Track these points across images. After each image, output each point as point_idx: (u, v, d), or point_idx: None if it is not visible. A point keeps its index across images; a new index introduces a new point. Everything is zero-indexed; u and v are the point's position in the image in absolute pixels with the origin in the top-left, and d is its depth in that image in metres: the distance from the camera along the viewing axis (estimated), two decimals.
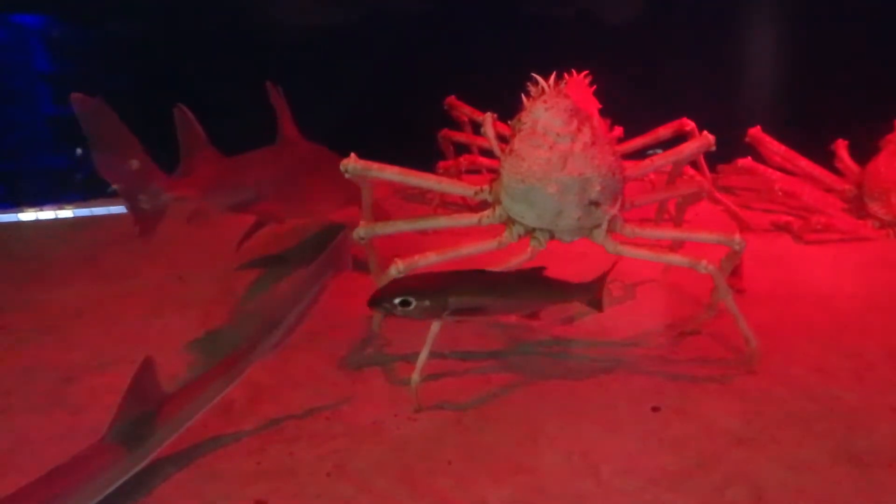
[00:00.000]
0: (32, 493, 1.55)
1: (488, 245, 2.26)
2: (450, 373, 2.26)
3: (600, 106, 2.20)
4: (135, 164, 2.46)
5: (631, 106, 2.93)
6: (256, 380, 2.13)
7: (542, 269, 2.11)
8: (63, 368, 2.31)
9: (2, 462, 1.89)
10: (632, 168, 2.35)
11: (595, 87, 2.20)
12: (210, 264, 3.06)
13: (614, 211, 2.20)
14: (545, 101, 2.11)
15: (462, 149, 3.65)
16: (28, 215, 3.86)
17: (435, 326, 2.08)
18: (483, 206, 2.33)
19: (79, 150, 4.10)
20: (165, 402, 1.82)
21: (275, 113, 3.03)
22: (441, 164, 3.59)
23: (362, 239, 2.32)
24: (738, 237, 2.26)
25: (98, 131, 2.37)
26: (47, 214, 3.87)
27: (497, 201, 2.24)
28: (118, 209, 3.80)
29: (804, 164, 3.57)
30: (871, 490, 1.75)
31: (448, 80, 3.66)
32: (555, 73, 2.14)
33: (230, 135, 3.32)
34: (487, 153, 3.11)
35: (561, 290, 2.12)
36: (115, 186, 2.50)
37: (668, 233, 2.66)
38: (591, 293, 2.12)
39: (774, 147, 3.54)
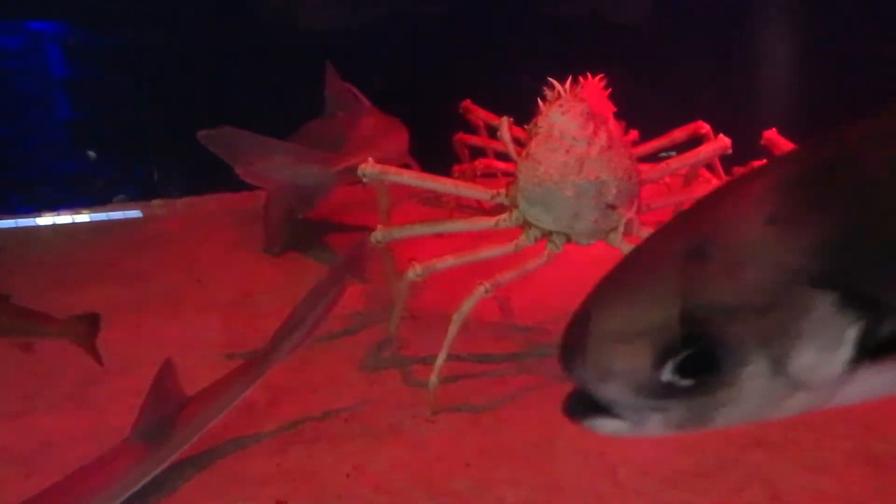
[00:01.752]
0: (58, 492, 1.58)
1: (505, 248, 2.27)
2: (467, 375, 2.28)
3: (615, 109, 2.21)
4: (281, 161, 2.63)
5: (646, 109, 2.93)
6: (276, 382, 2.15)
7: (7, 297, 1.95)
8: (85, 371, 2.33)
9: (27, 462, 1.92)
10: (648, 171, 2.36)
11: (610, 90, 2.21)
12: (228, 268, 3.09)
13: (630, 214, 2.20)
14: (561, 106, 2.12)
15: (478, 152, 3.65)
16: (45, 220, 3.89)
17: (452, 329, 2.09)
18: (499, 209, 2.34)
19: (91, 154, 4.14)
20: (187, 403, 1.85)
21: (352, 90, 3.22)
22: (457, 167, 3.60)
23: (379, 242, 2.33)
24: None
25: (232, 150, 2.51)
26: (65, 219, 3.90)
27: (514, 205, 2.25)
28: (135, 213, 3.83)
29: None
30: (889, 491, 1.75)
31: (463, 84, 3.67)
32: (570, 77, 2.16)
33: None
34: (503, 157, 3.12)
35: (21, 321, 1.96)
36: (264, 187, 2.62)
37: None
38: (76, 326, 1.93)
39: (790, 149, 3.53)
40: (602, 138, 2.11)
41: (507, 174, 3.26)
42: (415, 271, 2.19)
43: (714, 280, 0.87)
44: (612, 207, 2.15)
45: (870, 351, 0.87)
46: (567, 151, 2.09)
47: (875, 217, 0.88)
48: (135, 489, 1.68)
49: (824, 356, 0.87)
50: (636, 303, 0.89)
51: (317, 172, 2.67)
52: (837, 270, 0.86)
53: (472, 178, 3.52)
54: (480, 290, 2.10)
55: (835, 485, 1.77)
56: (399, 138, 3.19)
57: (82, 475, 1.63)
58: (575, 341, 0.92)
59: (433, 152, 3.45)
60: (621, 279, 0.94)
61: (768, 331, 0.86)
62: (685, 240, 0.91)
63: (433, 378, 2.09)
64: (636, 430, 0.92)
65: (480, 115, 3.60)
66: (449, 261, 2.22)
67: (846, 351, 0.86)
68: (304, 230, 3.35)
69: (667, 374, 0.87)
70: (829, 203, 0.89)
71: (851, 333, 0.86)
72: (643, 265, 0.94)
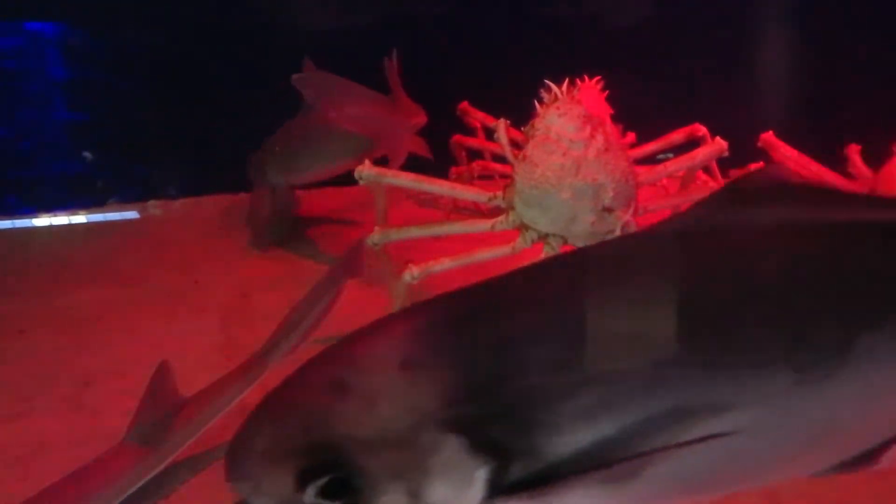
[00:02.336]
0: (55, 494, 1.57)
1: (502, 250, 2.28)
2: None
3: (612, 111, 2.22)
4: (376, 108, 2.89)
5: (644, 111, 2.94)
6: (273, 384, 2.13)
7: None
8: (81, 372, 2.33)
9: (23, 464, 1.91)
10: (645, 173, 2.36)
11: (608, 92, 2.21)
12: (225, 269, 3.08)
13: (628, 217, 2.21)
14: (558, 108, 2.13)
15: (475, 154, 3.66)
16: (42, 220, 3.88)
17: None
18: (496, 211, 2.34)
19: (88, 155, 4.13)
20: (183, 405, 1.85)
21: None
22: (454, 169, 3.61)
23: (376, 245, 2.34)
24: None
25: (325, 94, 2.76)
26: (61, 220, 3.89)
27: (510, 207, 2.26)
28: (132, 214, 3.82)
29: (816, 168, 3.55)
30: (886, 498, 1.75)
31: (461, 86, 3.68)
32: (567, 79, 2.16)
33: (244, 137, 3.36)
34: (500, 159, 3.12)
35: None
36: (356, 130, 2.87)
37: None
38: None
39: (787, 152, 3.53)
40: (599, 141, 2.11)
41: (504, 176, 3.27)
42: (411, 274, 2.19)
43: (351, 413, 0.92)
44: (610, 210, 2.16)
45: (502, 490, 0.91)
46: (564, 154, 2.10)
47: (501, 369, 0.93)
48: (132, 491, 1.68)
49: (457, 493, 0.91)
50: (285, 426, 0.95)
51: (399, 123, 2.92)
52: (464, 417, 0.90)
53: (470, 180, 3.52)
54: None
55: (832, 490, 1.77)
56: (421, 117, 3.41)
57: (79, 477, 1.63)
58: (233, 455, 0.98)
59: (430, 154, 3.44)
60: (277, 401, 1.00)
61: (401, 465, 0.91)
62: (332, 371, 0.98)
63: None
64: None
65: (478, 116, 3.60)
66: (446, 263, 2.22)
67: (478, 490, 0.91)
68: (301, 230, 3.35)
69: (309, 497, 0.91)
70: (458, 352, 0.94)
71: (482, 474, 0.90)
72: (295, 391, 1.00)
